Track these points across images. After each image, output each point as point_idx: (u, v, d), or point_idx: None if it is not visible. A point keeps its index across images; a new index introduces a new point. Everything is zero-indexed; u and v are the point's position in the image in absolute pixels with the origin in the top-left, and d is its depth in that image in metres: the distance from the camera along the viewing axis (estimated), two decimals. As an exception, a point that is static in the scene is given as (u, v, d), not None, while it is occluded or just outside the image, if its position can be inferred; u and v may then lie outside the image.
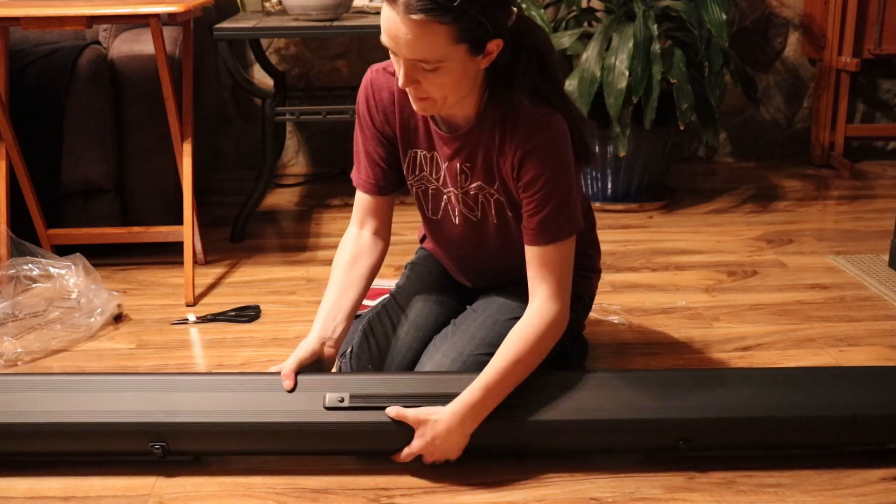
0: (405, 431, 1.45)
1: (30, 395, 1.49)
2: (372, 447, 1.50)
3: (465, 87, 1.42)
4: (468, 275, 1.74)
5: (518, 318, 1.52)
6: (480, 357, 1.54)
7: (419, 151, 1.58)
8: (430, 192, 1.62)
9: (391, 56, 1.41)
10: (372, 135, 1.59)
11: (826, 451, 1.53)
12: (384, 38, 1.36)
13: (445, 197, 1.60)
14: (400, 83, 1.39)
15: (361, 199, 1.64)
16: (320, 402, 1.46)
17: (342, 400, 1.46)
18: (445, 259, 1.76)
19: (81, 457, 1.52)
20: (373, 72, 1.57)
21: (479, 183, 1.55)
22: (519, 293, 1.61)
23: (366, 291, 1.63)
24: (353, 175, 1.63)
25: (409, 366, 1.62)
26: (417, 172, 1.60)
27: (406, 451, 1.46)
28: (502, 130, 1.48)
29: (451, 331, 1.63)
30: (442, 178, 1.58)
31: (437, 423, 1.43)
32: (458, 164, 1.54)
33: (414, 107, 1.46)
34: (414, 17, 1.29)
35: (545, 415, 1.47)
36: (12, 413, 1.47)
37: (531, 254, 1.50)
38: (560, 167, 1.47)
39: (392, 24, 1.32)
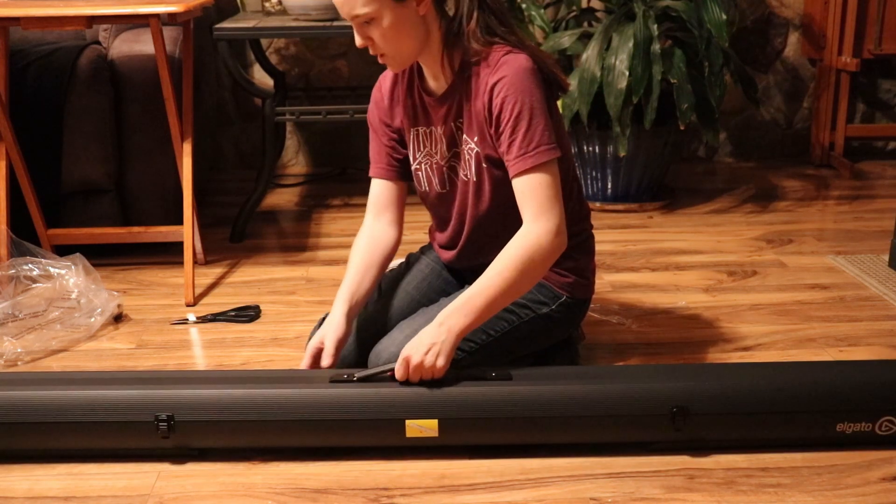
0: (409, 402, 1.49)
1: (36, 379, 1.56)
2: (377, 419, 1.50)
3: (409, 35, 1.54)
4: (463, 253, 1.77)
5: None
6: None
7: (420, 129, 1.69)
8: (433, 165, 1.71)
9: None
10: (381, 125, 1.74)
11: (823, 435, 1.53)
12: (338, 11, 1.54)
13: (446, 167, 1.70)
14: (356, 42, 1.57)
15: (376, 189, 1.75)
16: (325, 377, 1.54)
17: (347, 376, 1.52)
18: (445, 241, 1.80)
19: (86, 437, 1.51)
20: (380, 77, 1.75)
21: (466, 136, 1.64)
22: None
23: (381, 275, 1.75)
24: (371, 170, 1.76)
25: (371, 337, 1.71)
26: (423, 149, 1.70)
27: (396, 367, 1.50)
28: (472, 75, 1.59)
29: (416, 315, 1.70)
30: (441, 148, 1.68)
31: (421, 334, 1.51)
32: (452, 124, 1.65)
33: (388, 67, 1.63)
34: None
35: (535, 385, 1.51)
36: (19, 387, 1.51)
37: (516, 186, 1.56)
38: (526, 95, 1.53)
39: None
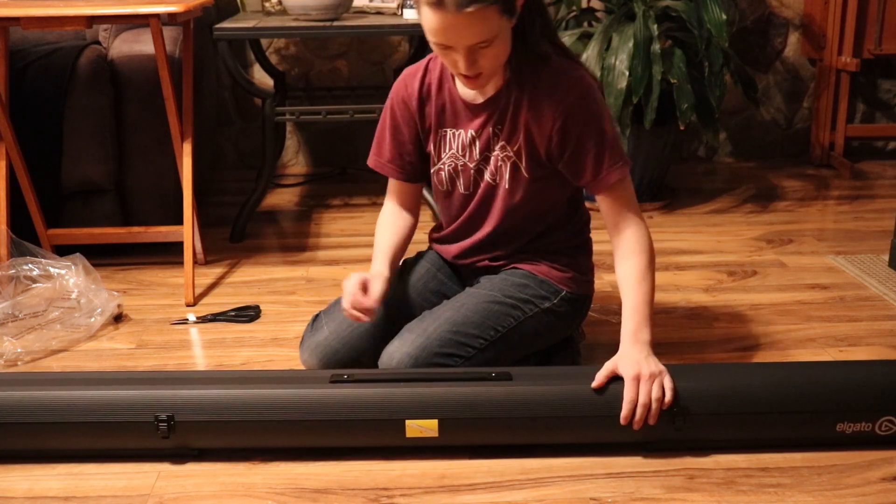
0: (409, 403, 1.49)
1: (36, 379, 1.56)
2: (376, 419, 1.51)
3: (507, 48, 1.53)
4: (472, 249, 1.79)
5: (490, 302, 1.67)
6: (443, 333, 1.61)
7: (448, 130, 1.68)
8: (460, 167, 1.71)
9: (439, 51, 1.51)
10: (404, 125, 1.72)
11: (823, 435, 1.53)
12: (436, 38, 1.46)
13: (473, 170, 1.70)
14: (463, 70, 1.49)
15: (393, 184, 1.81)
16: (325, 377, 1.54)
17: (346, 376, 1.53)
18: (450, 236, 1.81)
19: (86, 438, 1.51)
20: (403, 75, 1.73)
21: (504, 143, 1.64)
22: (496, 286, 1.71)
23: (401, 256, 1.81)
24: (375, 160, 1.78)
25: (363, 337, 1.70)
26: (448, 150, 1.70)
27: (637, 416, 1.48)
28: (533, 86, 1.59)
29: (423, 317, 1.70)
30: (469, 151, 1.68)
31: (634, 367, 1.50)
32: (490, 129, 1.64)
33: (468, 87, 1.58)
34: (468, 9, 1.40)
35: (534, 385, 1.52)
36: (19, 387, 1.51)
37: (608, 196, 1.62)
38: (604, 111, 1.60)
39: (445, 24, 1.42)
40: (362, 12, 2.86)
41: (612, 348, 1.95)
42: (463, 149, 1.68)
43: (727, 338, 2.01)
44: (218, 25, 2.55)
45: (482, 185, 1.70)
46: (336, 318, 1.72)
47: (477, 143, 1.67)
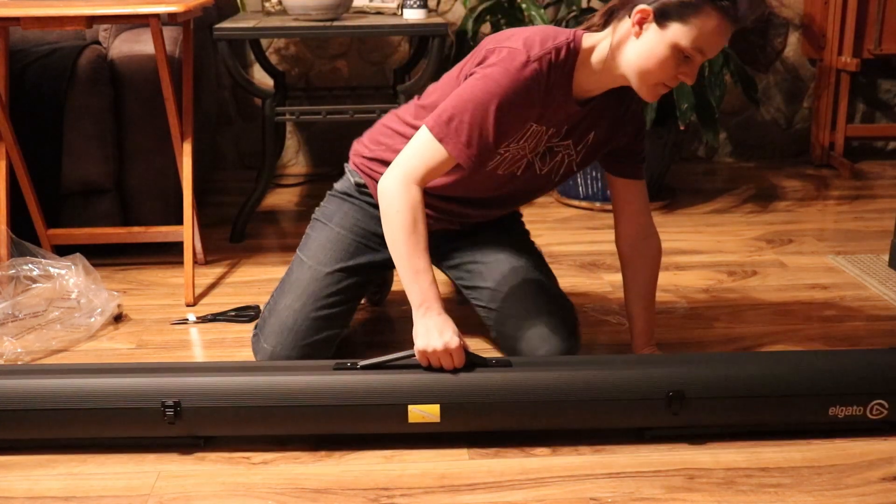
0: (411, 388, 1.51)
1: (43, 369, 1.58)
2: (380, 404, 1.52)
3: None
4: (470, 217, 1.83)
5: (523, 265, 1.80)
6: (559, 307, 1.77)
7: (534, 125, 1.65)
8: (518, 157, 1.69)
9: (678, 61, 1.50)
10: (521, 119, 1.58)
11: (816, 419, 1.55)
12: (706, 45, 1.49)
13: (525, 160, 1.70)
14: (692, 77, 1.53)
15: (447, 165, 1.56)
16: (329, 365, 1.56)
17: (350, 364, 1.54)
18: (453, 205, 1.79)
19: (92, 425, 1.51)
20: (527, 67, 1.53)
21: (570, 141, 1.71)
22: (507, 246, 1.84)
23: None
24: (460, 150, 1.53)
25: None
26: (522, 143, 1.67)
27: None
28: (615, 93, 1.65)
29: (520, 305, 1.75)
30: (536, 146, 1.68)
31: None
32: (566, 127, 1.67)
33: (652, 98, 1.58)
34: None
35: (533, 371, 1.53)
36: (27, 376, 1.52)
37: (641, 187, 1.80)
38: None
39: (727, 34, 1.50)
40: (362, 12, 2.86)
41: (612, 348, 1.96)
42: (539, 142, 1.67)
43: (727, 338, 2.01)
44: (218, 25, 2.55)
45: (524, 173, 1.72)
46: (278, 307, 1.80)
47: (547, 139, 1.67)
